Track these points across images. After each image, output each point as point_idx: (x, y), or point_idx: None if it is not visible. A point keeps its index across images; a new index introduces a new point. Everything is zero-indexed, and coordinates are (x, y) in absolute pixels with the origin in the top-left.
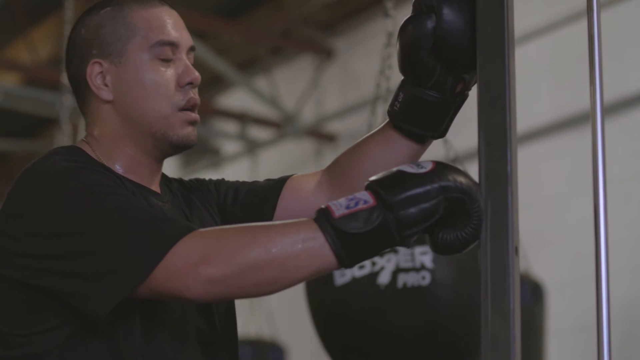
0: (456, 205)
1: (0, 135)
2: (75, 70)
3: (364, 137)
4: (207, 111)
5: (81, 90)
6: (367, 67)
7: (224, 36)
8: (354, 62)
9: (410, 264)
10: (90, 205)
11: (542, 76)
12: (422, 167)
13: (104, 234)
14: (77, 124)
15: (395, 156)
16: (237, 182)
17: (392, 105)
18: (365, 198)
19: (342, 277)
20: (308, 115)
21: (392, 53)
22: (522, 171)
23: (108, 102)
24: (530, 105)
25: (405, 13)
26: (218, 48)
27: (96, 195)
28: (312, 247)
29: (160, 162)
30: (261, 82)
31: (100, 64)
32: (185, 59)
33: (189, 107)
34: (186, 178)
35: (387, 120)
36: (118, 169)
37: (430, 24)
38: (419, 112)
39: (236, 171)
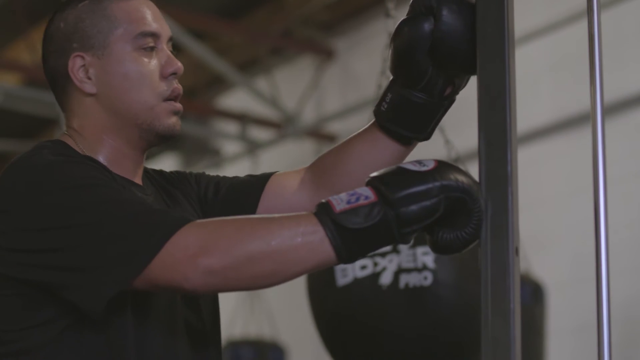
0: (457, 204)
1: (0, 135)
2: (55, 65)
3: (349, 136)
4: (208, 112)
5: (61, 84)
6: (367, 67)
7: (224, 37)
8: (354, 63)
9: (412, 265)
10: (83, 197)
11: (542, 76)
12: (424, 165)
13: (99, 226)
14: None
15: (379, 156)
16: (218, 176)
17: (379, 105)
18: (367, 194)
19: (344, 277)
20: (308, 115)
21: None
22: (522, 171)
23: (91, 95)
24: (531, 105)
25: (404, 14)
26: (218, 48)
27: (88, 187)
28: (311, 241)
29: (143, 153)
30: (261, 83)
31: (82, 57)
32: (167, 50)
33: (173, 97)
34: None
35: (374, 120)
36: (102, 161)
37: (428, 25)
38: (406, 113)
39: (237, 172)
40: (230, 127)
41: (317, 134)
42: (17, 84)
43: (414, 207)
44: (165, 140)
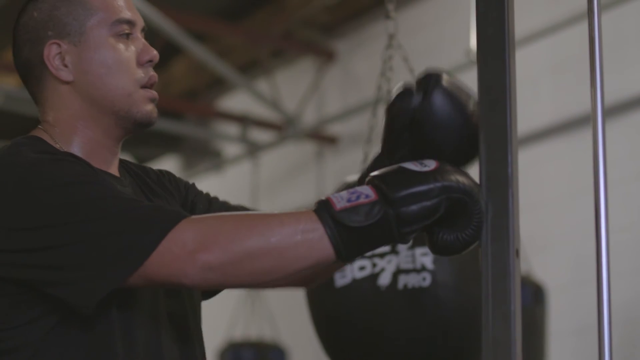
0: (457, 205)
1: (1, 137)
2: (29, 54)
3: None
4: (208, 113)
5: (36, 74)
6: (368, 69)
7: (225, 39)
8: (355, 65)
9: (411, 265)
10: (75, 195)
11: (542, 78)
12: (425, 166)
13: (93, 223)
14: None
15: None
16: (209, 194)
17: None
18: (367, 192)
19: (343, 278)
20: (309, 117)
21: (393, 55)
22: (523, 173)
23: (67, 83)
24: (531, 107)
25: (406, 15)
26: (219, 50)
27: (79, 185)
28: (311, 238)
29: (119, 142)
30: (262, 85)
31: (58, 44)
32: (142, 38)
33: (149, 85)
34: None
35: None
36: (78, 153)
37: (415, 99)
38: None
39: (238, 173)
40: (231, 128)
41: (317, 135)
42: (18, 86)
43: (414, 207)
44: (142, 128)
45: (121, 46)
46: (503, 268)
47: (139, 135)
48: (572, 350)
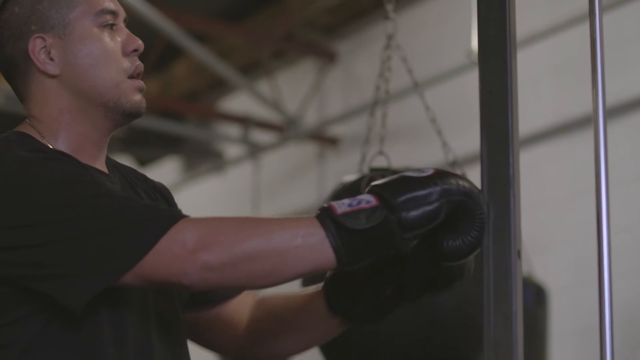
0: (459, 209)
1: None
2: (13, 51)
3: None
4: (210, 115)
5: (21, 70)
6: (370, 70)
7: (226, 40)
8: (356, 66)
9: None
10: (70, 193)
11: (544, 79)
12: (423, 172)
13: (89, 221)
14: None
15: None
16: None
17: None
18: (368, 199)
19: None
20: (311, 118)
21: (392, 55)
22: (525, 174)
23: (54, 77)
24: (532, 108)
25: (407, 16)
26: (220, 51)
27: (74, 183)
28: (311, 241)
29: (107, 137)
30: (264, 86)
31: (42, 38)
32: (125, 28)
33: (136, 75)
34: (188, 183)
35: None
36: (65, 148)
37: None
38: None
39: (239, 175)
40: (233, 130)
41: (319, 136)
42: None
43: (415, 212)
44: (130, 119)
45: (106, 37)
46: (504, 269)
47: (140, 137)
48: (574, 351)
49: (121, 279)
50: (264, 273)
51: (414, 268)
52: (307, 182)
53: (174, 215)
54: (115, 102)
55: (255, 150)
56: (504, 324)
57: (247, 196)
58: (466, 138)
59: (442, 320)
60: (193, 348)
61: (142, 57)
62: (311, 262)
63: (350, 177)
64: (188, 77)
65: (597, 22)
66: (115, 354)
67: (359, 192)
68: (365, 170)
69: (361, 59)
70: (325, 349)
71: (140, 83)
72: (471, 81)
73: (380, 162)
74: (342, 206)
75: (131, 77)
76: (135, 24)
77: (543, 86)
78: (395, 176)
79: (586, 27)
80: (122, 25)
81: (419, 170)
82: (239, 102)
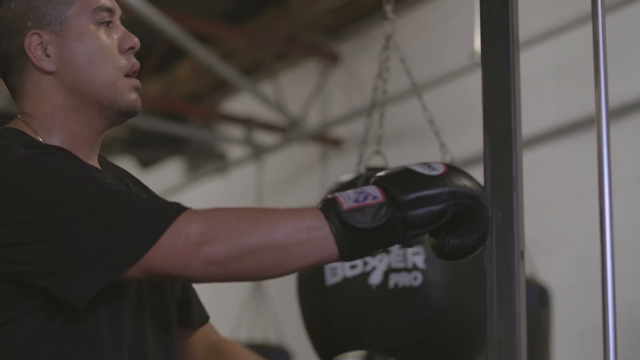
0: (464, 211)
1: None
2: (8, 47)
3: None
4: (213, 116)
5: (16, 67)
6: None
7: (229, 41)
8: (359, 67)
9: (402, 264)
10: (71, 188)
11: (547, 80)
12: (433, 169)
13: (91, 216)
14: None
15: None
16: None
17: None
18: (374, 193)
19: (334, 276)
20: (313, 119)
21: (390, 56)
22: (527, 175)
23: (50, 73)
24: (535, 109)
25: (409, 17)
26: (223, 53)
27: (75, 178)
28: (316, 236)
29: (101, 135)
30: (266, 87)
31: (39, 34)
32: (121, 26)
33: (132, 73)
34: (191, 184)
35: None
36: (58, 145)
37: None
38: None
39: (242, 176)
40: (235, 131)
41: (322, 138)
42: None
43: (421, 211)
44: (125, 118)
45: (103, 34)
46: (508, 270)
47: (143, 138)
48: (577, 352)
49: (126, 273)
50: (267, 267)
51: None
52: (310, 183)
53: (177, 208)
54: (111, 101)
55: (258, 152)
56: (507, 324)
57: (250, 197)
58: (469, 139)
59: (436, 321)
60: None
61: (145, 59)
62: (314, 256)
63: (347, 177)
64: (191, 79)
65: (599, 24)
66: (112, 349)
67: None
68: (362, 170)
69: (364, 60)
70: (318, 346)
71: (136, 82)
72: (474, 82)
73: (377, 162)
74: (348, 200)
75: (127, 75)
76: (138, 25)
77: (546, 87)
78: (402, 169)
79: (589, 28)
80: (118, 22)
81: (428, 165)
82: (241, 104)
